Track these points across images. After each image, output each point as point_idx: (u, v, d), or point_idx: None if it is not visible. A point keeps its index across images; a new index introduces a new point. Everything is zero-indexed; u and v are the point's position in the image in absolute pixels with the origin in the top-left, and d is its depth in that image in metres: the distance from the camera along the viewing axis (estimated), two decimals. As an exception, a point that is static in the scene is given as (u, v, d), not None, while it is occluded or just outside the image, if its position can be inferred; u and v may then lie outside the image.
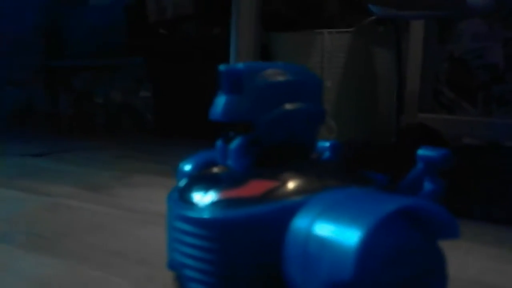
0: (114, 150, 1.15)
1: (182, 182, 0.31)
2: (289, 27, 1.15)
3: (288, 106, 0.28)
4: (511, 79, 1.19)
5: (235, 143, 0.28)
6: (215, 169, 0.30)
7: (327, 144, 0.34)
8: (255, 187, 0.26)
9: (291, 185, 0.26)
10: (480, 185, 0.73)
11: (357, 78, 1.05)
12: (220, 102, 0.28)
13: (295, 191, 0.26)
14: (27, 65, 1.78)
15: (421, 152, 0.28)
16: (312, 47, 1.08)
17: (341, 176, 0.28)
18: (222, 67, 0.28)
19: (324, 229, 0.22)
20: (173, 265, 0.29)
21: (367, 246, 0.20)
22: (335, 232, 0.22)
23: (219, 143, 0.30)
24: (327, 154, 0.34)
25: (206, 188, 0.27)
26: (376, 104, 1.08)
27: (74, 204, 0.64)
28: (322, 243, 0.22)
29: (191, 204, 0.27)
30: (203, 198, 0.27)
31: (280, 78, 0.28)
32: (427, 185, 0.27)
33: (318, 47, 1.07)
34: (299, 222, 0.24)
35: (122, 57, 1.63)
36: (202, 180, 0.29)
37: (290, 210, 0.24)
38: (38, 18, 1.75)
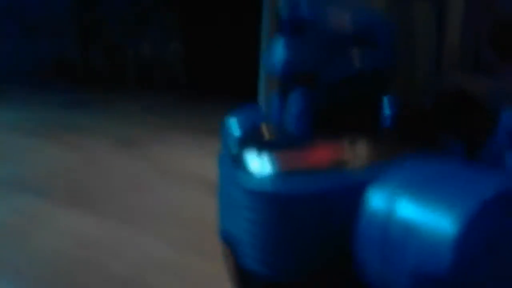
0: (146, 104, 1.15)
1: (234, 146, 0.27)
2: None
3: (357, 56, 0.24)
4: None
5: (295, 100, 0.25)
6: (271, 130, 0.27)
7: (391, 101, 0.29)
8: (320, 156, 0.23)
9: (362, 153, 0.23)
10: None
11: (396, 35, 1.01)
12: (279, 49, 0.24)
13: (368, 161, 0.23)
14: (56, 15, 1.77)
15: (504, 118, 0.24)
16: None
17: (413, 141, 0.25)
18: (283, 12, 0.24)
19: (411, 211, 0.19)
20: (225, 237, 0.27)
21: (465, 237, 0.18)
22: (425, 217, 0.19)
23: (274, 98, 0.26)
24: (386, 110, 0.29)
25: (264, 154, 0.24)
26: (414, 61, 1.05)
27: (110, 160, 0.64)
28: (409, 228, 0.19)
29: (249, 173, 0.24)
30: (262, 166, 0.24)
31: (348, 23, 0.25)
32: (510, 159, 0.24)
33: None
34: (376, 200, 0.20)
35: (154, 8, 1.61)
36: (258, 144, 0.26)
37: (360, 183, 0.21)
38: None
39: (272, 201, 0.23)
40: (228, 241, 0.26)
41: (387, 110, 0.30)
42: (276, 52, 0.24)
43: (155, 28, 1.62)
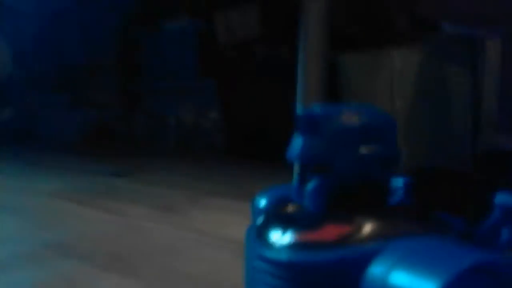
0: (185, 171, 1.18)
1: (259, 220, 0.32)
2: (358, 45, 1.14)
3: (364, 149, 0.29)
4: None
5: (312, 184, 0.29)
6: (291, 208, 0.31)
7: (400, 182, 0.34)
8: (330, 231, 0.27)
9: (366, 230, 0.26)
10: None
11: (429, 98, 1.02)
12: (298, 144, 0.29)
13: (370, 237, 0.26)
14: (107, 87, 1.88)
15: (499, 199, 0.27)
16: (381, 66, 1.06)
17: (416, 221, 0.28)
18: (299, 111, 0.29)
19: (401, 279, 0.22)
20: None
21: None
22: (411, 282, 0.22)
23: (295, 182, 0.31)
24: (400, 192, 0.34)
25: (283, 228, 0.28)
26: (450, 126, 1.04)
27: (151, 225, 0.67)
28: None
29: (269, 244, 0.28)
30: (281, 238, 0.28)
31: (356, 121, 0.29)
32: (505, 234, 0.27)
33: (387, 67, 1.05)
34: (375, 270, 0.24)
35: (193, 79, 1.69)
36: (279, 219, 0.30)
37: (365, 257, 0.25)
38: (116, 41, 1.85)
39: (287, 269, 0.26)
40: None
41: (399, 190, 0.34)
42: (295, 147, 0.29)
43: (194, 98, 1.69)
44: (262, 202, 0.33)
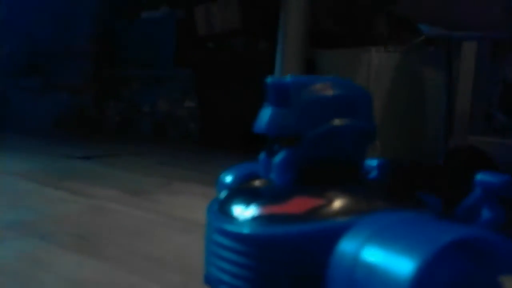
0: (158, 157, 1.17)
1: (223, 194, 0.30)
2: (336, 43, 1.14)
3: (337, 122, 0.27)
4: None
5: (279, 157, 0.27)
6: (257, 182, 0.29)
7: (374, 162, 0.33)
8: (299, 204, 0.25)
9: (337, 204, 0.25)
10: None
11: (405, 97, 1.02)
12: (266, 114, 0.27)
13: (341, 211, 0.24)
14: (80, 73, 1.84)
15: (480, 177, 0.26)
16: (359, 64, 1.07)
17: (391, 197, 0.27)
18: (269, 80, 0.27)
19: (374, 256, 0.21)
20: (209, 280, 0.28)
21: (422, 278, 0.19)
22: (387, 260, 0.20)
23: (262, 156, 0.29)
24: (374, 173, 0.33)
25: (247, 201, 0.26)
26: (424, 124, 1.06)
27: (117, 208, 0.65)
28: (371, 270, 0.20)
29: (231, 218, 0.26)
30: (243, 212, 0.26)
31: (329, 93, 0.27)
32: (486, 213, 0.25)
33: (365, 65, 1.06)
34: (346, 245, 0.22)
35: (170, 69, 1.67)
36: (243, 193, 0.28)
37: (335, 231, 0.23)
38: (92, 28, 1.82)
39: (248, 243, 0.24)
40: (211, 283, 0.28)
41: (373, 170, 0.33)
42: (263, 118, 0.28)
43: (170, 87, 1.67)
44: (228, 178, 0.32)
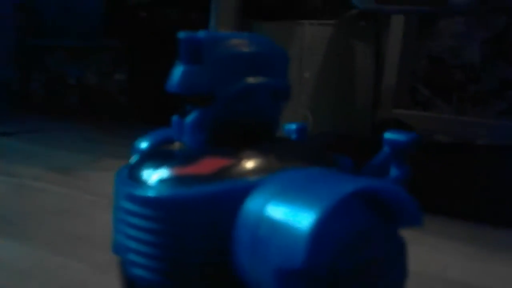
0: (85, 133, 1.12)
1: (133, 159, 0.28)
2: (270, 16, 1.14)
3: (251, 79, 0.26)
4: (487, 79, 1.21)
5: (191, 117, 0.26)
6: (170, 146, 0.28)
7: (293, 126, 0.32)
8: (208, 164, 0.24)
9: (247, 163, 0.24)
10: (449, 181, 0.73)
11: (336, 71, 1.05)
12: (177, 72, 0.26)
13: (251, 170, 0.24)
14: (1, 42, 1.73)
15: (387, 135, 0.26)
16: (292, 37, 1.07)
17: (302, 156, 0.26)
18: (181, 35, 0.25)
19: (276, 211, 0.20)
20: (117, 249, 0.26)
21: (320, 230, 0.19)
22: (287, 214, 0.20)
23: (175, 117, 0.28)
24: (293, 136, 0.33)
25: (156, 165, 0.25)
26: (353, 98, 1.09)
27: (40, 186, 0.62)
28: (273, 226, 0.20)
29: (139, 182, 0.25)
30: (152, 175, 0.25)
31: (244, 49, 0.26)
32: (393, 171, 0.26)
33: (298, 38, 1.06)
34: (251, 204, 0.22)
35: (99, 39, 1.60)
36: (154, 157, 0.27)
37: (244, 190, 0.22)
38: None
39: (155, 206, 0.23)
40: (119, 252, 0.26)
41: (292, 134, 0.32)
42: (175, 76, 0.26)
43: (99, 58, 1.60)
44: (143, 144, 0.30)
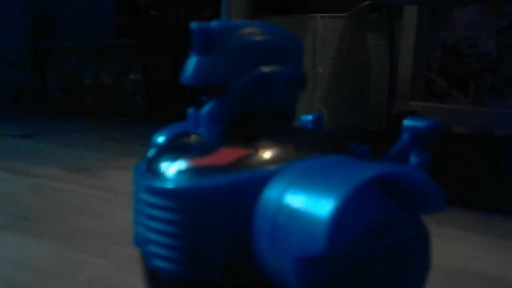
0: (102, 133, 1.13)
1: (151, 153, 0.28)
2: (281, 10, 1.13)
3: (265, 69, 0.26)
4: (504, 69, 1.19)
5: (206, 108, 0.26)
6: (187, 139, 0.28)
7: (310, 117, 0.32)
8: (226, 155, 0.24)
9: (264, 153, 0.24)
10: (469, 172, 0.73)
11: (349, 64, 1.04)
12: (191, 64, 0.25)
13: (269, 160, 0.23)
14: (15, 45, 1.75)
15: (407, 122, 0.26)
16: (304, 31, 1.07)
17: (319, 145, 0.26)
18: (193, 25, 0.25)
19: (295, 199, 0.20)
20: (138, 241, 0.27)
21: (340, 217, 0.18)
22: (306, 202, 0.20)
23: (191, 110, 0.27)
24: (309, 127, 0.32)
25: (174, 157, 0.25)
26: (368, 91, 1.08)
27: (60, 185, 0.63)
28: (292, 214, 0.20)
29: (157, 174, 0.25)
30: (169, 167, 0.25)
31: (258, 38, 0.26)
32: (413, 158, 0.26)
33: (310, 32, 1.06)
34: (270, 192, 0.22)
35: (112, 39, 1.61)
36: (171, 149, 0.27)
37: (262, 180, 0.22)
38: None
39: (173, 196, 0.23)
40: (140, 244, 0.26)
41: (308, 125, 0.32)
42: (189, 68, 0.26)
43: (113, 58, 1.61)
44: (161, 138, 0.30)
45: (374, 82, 1.07)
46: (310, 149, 0.25)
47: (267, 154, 0.24)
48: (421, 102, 1.15)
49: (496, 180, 0.69)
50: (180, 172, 0.24)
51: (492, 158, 0.84)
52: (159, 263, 0.24)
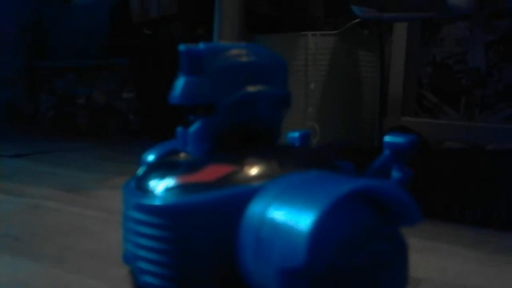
0: (96, 152, 1.13)
1: (140, 171, 0.29)
2: (273, 28, 1.15)
3: (251, 88, 0.27)
4: (493, 84, 1.21)
5: (194, 127, 0.27)
6: (175, 156, 0.28)
7: (296, 134, 0.33)
8: (212, 172, 0.25)
9: (249, 170, 0.25)
10: (461, 187, 0.73)
11: (341, 81, 1.05)
12: (179, 84, 0.27)
13: (253, 176, 0.24)
14: (9, 64, 1.75)
15: (387, 138, 0.27)
16: (296, 49, 1.08)
17: (303, 161, 0.27)
18: (181, 47, 0.26)
19: (277, 214, 0.21)
20: (127, 258, 0.27)
21: (319, 230, 0.19)
22: (288, 216, 0.20)
23: (179, 128, 0.28)
24: (296, 144, 0.33)
25: (162, 175, 0.26)
26: (360, 107, 1.09)
27: (52, 206, 0.63)
28: (275, 228, 0.21)
29: (146, 192, 0.26)
30: (158, 185, 0.25)
31: (243, 59, 0.27)
32: (395, 173, 0.26)
33: (302, 49, 1.07)
34: (254, 208, 0.22)
35: (105, 58, 1.62)
36: (159, 167, 0.28)
37: (246, 196, 0.23)
38: (21, 17, 1.72)
39: (161, 213, 0.24)
40: (129, 261, 0.27)
41: (295, 142, 0.33)
42: (177, 88, 0.27)
43: (106, 77, 1.62)
44: (150, 156, 0.31)
45: (365, 99, 1.08)
46: (294, 166, 0.25)
47: (252, 171, 0.25)
48: (412, 117, 1.16)
49: (487, 194, 0.70)
50: (167, 189, 0.25)
51: (483, 173, 0.85)
52: (148, 279, 0.25)
